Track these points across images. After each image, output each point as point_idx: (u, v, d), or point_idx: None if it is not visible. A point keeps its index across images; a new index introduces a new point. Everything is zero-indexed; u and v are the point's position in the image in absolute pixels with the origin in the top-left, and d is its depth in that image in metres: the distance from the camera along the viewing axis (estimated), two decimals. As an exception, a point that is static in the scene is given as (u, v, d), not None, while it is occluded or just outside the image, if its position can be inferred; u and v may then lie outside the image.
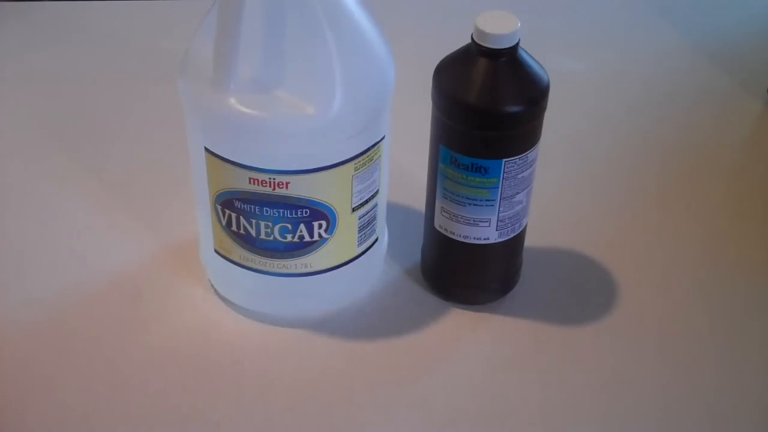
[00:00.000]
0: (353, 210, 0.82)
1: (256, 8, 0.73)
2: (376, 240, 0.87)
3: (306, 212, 0.80)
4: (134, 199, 0.98)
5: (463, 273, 0.88)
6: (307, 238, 0.81)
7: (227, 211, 0.81)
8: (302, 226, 0.81)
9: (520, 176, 0.81)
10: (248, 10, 0.73)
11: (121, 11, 1.22)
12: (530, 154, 0.81)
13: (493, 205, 0.82)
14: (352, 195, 0.81)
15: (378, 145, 0.81)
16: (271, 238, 0.81)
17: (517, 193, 0.82)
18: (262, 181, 0.78)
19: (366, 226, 0.84)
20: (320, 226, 0.81)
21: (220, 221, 0.82)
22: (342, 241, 0.83)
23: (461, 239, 0.85)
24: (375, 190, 0.83)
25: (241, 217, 0.81)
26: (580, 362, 0.85)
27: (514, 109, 0.78)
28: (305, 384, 0.83)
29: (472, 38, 0.79)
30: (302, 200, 0.79)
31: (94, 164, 1.01)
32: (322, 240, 0.82)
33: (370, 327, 0.87)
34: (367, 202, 0.83)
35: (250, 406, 0.81)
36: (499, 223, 0.83)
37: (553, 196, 0.98)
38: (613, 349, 0.86)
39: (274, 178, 0.78)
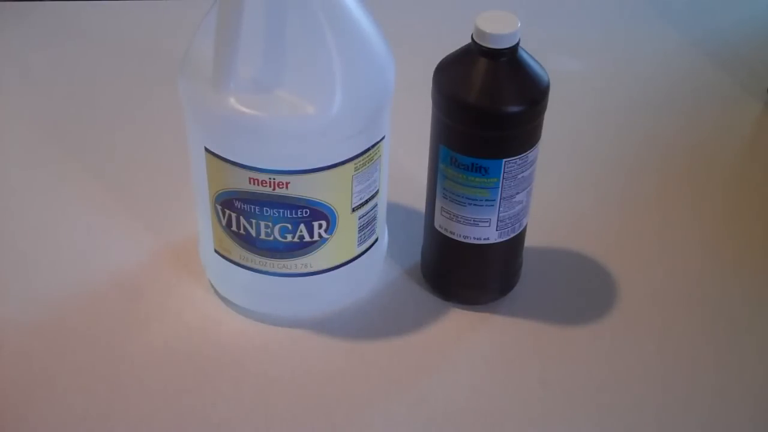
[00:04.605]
0: (353, 210, 0.82)
1: (256, 8, 0.73)
2: (376, 240, 0.87)
3: (306, 212, 0.80)
4: (134, 199, 0.98)
5: (463, 273, 0.88)
6: (307, 238, 0.81)
7: (227, 211, 0.81)
8: (302, 226, 0.81)
9: (520, 176, 0.81)
10: (248, 10, 0.73)
11: (121, 11, 1.22)
12: (530, 154, 0.81)
13: (493, 205, 0.82)
14: (352, 195, 0.81)
15: (378, 145, 0.81)
16: (271, 238, 0.81)
17: (517, 193, 0.82)
18: (262, 181, 0.78)
19: (366, 226, 0.84)
20: (320, 226, 0.81)
21: (220, 221, 0.82)
22: (342, 241, 0.83)
23: (461, 239, 0.85)
24: (375, 190, 0.83)
25: (241, 217, 0.81)
26: (580, 362, 0.85)
27: (514, 109, 0.78)
28: (305, 384, 0.83)
29: (472, 38, 0.79)
30: (302, 200, 0.79)
31: (95, 164, 1.02)
32: (322, 240, 0.82)
33: (370, 327, 0.87)
34: (367, 202, 0.83)
35: (250, 406, 0.81)
36: (499, 223, 0.83)
37: (553, 196, 0.98)
38: (613, 349, 0.86)
39: (274, 178, 0.78)
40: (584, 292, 0.91)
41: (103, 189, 0.99)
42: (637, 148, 1.06)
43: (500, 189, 0.81)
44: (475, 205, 0.82)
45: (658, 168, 1.04)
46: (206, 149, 0.79)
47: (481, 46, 0.78)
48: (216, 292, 0.89)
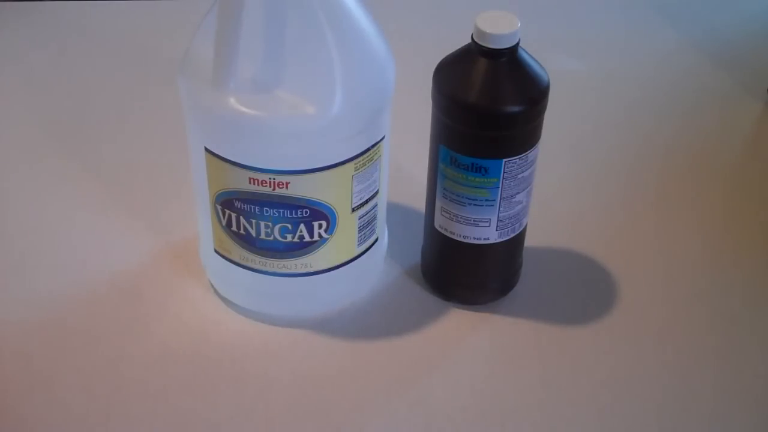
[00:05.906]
0: (353, 210, 0.82)
1: (256, 8, 0.73)
2: (376, 240, 0.87)
3: (306, 212, 0.80)
4: (134, 199, 0.98)
5: (463, 273, 0.88)
6: (307, 238, 0.81)
7: (227, 211, 0.81)
8: (302, 226, 0.81)
9: (520, 176, 0.81)
10: (248, 10, 0.73)
11: (121, 11, 1.22)
12: (530, 154, 0.81)
13: (493, 205, 0.82)
14: (352, 195, 0.81)
15: (378, 145, 0.81)
16: (271, 238, 0.81)
17: (517, 193, 0.82)
18: (262, 181, 0.78)
19: (366, 226, 0.84)
20: (320, 226, 0.81)
21: (220, 221, 0.82)
22: (342, 241, 0.83)
23: (461, 239, 0.85)
24: (375, 190, 0.83)
25: (241, 217, 0.81)
26: (580, 362, 0.85)
27: (514, 109, 0.78)
28: (305, 384, 0.83)
29: (472, 38, 0.79)
30: (302, 200, 0.79)
31: (95, 164, 1.02)
32: (322, 240, 0.82)
33: (370, 327, 0.87)
34: (367, 202, 0.83)
35: (250, 406, 0.81)
36: (499, 223, 0.83)
37: (553, 196, 0.98)
38: (613, 349, 0.87)
39: (274, 178, 0.78)
40: (584, 292, 0.91)
41: (103, 189, 0.99)
42: (637, 148, 1.06)
43: (500, 189, 0.81)
44: (475, 205, 0.82)
45: (658, 168, 1.04)
46: (206, 149, 0.79)
47: (481, 46, 0.78)
48: (216, 292, 0.89)
